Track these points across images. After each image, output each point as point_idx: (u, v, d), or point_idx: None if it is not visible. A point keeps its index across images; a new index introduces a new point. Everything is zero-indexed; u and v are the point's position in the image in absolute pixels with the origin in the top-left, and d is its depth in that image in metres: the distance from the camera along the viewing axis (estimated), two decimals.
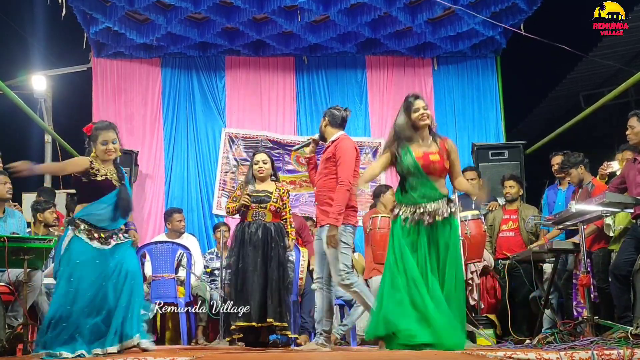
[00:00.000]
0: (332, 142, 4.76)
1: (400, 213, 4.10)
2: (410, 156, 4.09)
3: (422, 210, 4.05)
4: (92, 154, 4.17)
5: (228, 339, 5.17)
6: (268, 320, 5.03)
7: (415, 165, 4.07)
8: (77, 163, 4.15)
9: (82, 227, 4.02)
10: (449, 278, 3.98)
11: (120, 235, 4.15)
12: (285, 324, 5.12)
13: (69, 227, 4.07)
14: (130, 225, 4.29)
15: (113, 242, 4.08)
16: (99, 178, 4.09)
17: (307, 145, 5.09)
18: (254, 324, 5.02)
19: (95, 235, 4.03)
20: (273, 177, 5.41)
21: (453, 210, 4.10)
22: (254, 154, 5.47)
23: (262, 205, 5.24)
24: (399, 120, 4.22)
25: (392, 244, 4.10)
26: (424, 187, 4.09)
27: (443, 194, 4.12)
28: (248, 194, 5.22)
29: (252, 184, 5.31)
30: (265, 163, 5.34)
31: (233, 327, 5.07)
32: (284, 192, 5.37)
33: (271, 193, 5.28)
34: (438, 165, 4.11)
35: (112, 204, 4.09)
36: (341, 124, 4.83)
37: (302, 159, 8.51)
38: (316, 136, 5.03)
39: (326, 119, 4.86)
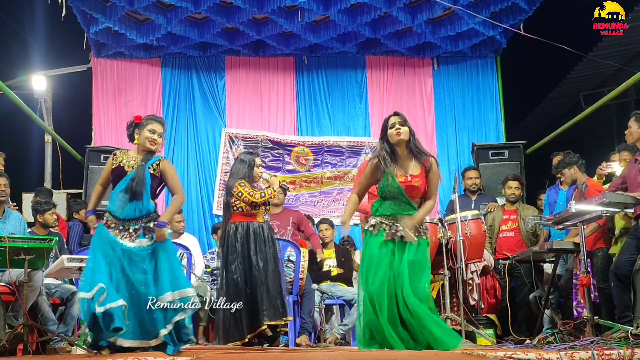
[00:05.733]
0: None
1: (375, 225, 4.10)
2: (394, 180, 4.05)
3: (398, 226, 4.04)
4: (135, 141, 4.24)
5: (245, 340, 5.09)
6: (289, 318, 5.21)
7: (399, 189, 4.05)
8: (105, 169, 4.29)
9: (107, 216, 4.08)
10: (410, 294, 3.93)
11: (145, 230, 4.07)
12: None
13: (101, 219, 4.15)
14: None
15: (126, 240, 4.02)
16: (113, 166, 4.18)
17: None
18: (280, 321, 5.10)
19: (115, 224, 4.04)
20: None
21: (423, 231, 4.10)
22: (254, 157, 5.41)
23: (267, 207, 5.35)
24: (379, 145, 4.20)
25: (366, 255, 4.11)
26: (404, 208, 4.08)
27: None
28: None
29: (252, 185, 5.30)
30: (262, 167, 5.46)
31: (263, 327, 5.03)
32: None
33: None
34: (419, 190, 4.10)
35: (123, 189, 4.09)
36: None
37: (302, 159, 8.53)
38: None
39: None
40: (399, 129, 4.06)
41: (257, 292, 5.06)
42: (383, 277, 3.98)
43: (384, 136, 4.15)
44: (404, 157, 4.11)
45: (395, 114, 4.17)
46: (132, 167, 4.13)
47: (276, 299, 5.09)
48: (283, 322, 5.13)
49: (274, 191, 5.27)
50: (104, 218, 4.12)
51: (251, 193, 5.14)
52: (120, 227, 4.05)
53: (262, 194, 5.17)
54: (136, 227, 4.06)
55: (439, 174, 4.19)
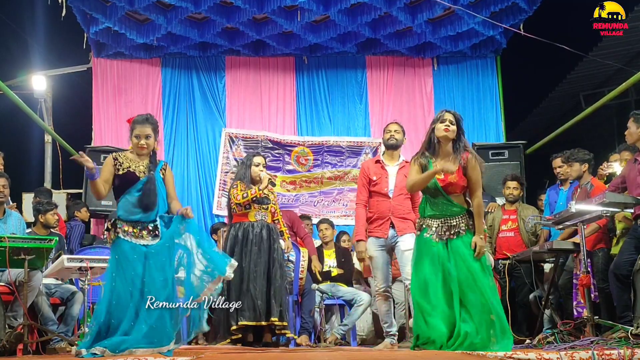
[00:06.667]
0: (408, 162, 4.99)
1: (425, 226, 4.10)
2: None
3: (445, 224, 4.04)
4: (130, 147, 4.16)
5: (228, 340, 5.13)
6: (272, 319, 5.06)
7: (436, 186, 4.04)
8: (104, 169, 4.08)
9: (120, 225, 3.98)
10: (474, 287, 3.93)
11: (156, 230, 4.03)
12: (285, 324, 5.17)
13: (112, 229, 4.00)
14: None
15: (148, 239, 4.00)
16: (120, 172, 4.04)
17: None
18: (262, 322, 5.04)
19: (127, 229, 3.97)
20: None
21: (471, 225, 4.07)
22: (253, 156, 5.43)
23: (264, 206, 5.29)
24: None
25: (418, 257, 4.10)
26: (446, 205, 4.07)
27: (465, 208, 4.10)
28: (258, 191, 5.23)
29: (248, 185, 5.29)
30: (264, 167, 5.41)
31: (235, 327, 5.05)
32: (275, 195, 5.52)
33: (268, 195, 5.33)
34: (457, 185, 4.07)
35: (136, 195, 4.01)
36: None
37: (302, 159, 8.52)
38: None
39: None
40: (449, 126, 4.08)
41: (232, 292, 5.06)
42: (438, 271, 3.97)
43: (432, 129, 4.14)
44: (444, 154, 4.11)
45: (448, 111, 4.18)
46: (144, 173, 4.07)
47: (257, 300, 5.03)
48: (265, 324, 5.05)
49: (259, 190, 5.22)
50: (117, 225, 3.99)
51: (234, 194, 5.22)
52: (139, 227, 3.99)
53: (244, 195, 5.19)
54: (152, 225, 4.03)
55: (479, 168, 4.11)
